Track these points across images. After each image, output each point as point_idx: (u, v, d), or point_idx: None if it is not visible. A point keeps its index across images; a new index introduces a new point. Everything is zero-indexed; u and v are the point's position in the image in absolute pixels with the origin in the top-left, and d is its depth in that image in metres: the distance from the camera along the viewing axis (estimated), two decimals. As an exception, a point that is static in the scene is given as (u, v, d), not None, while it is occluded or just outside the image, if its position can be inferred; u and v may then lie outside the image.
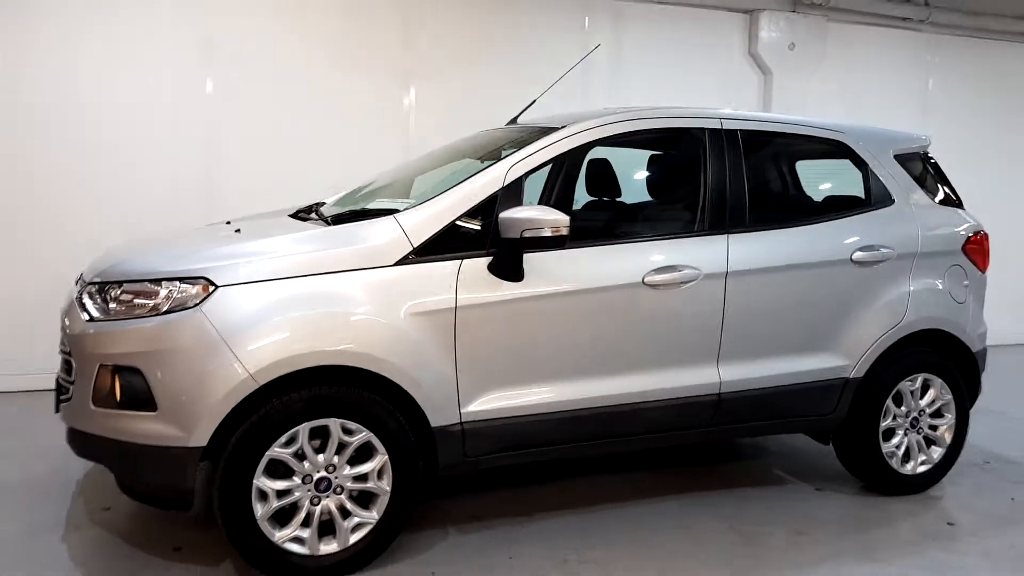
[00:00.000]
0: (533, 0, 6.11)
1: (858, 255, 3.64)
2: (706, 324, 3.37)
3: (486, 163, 3.25)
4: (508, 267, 3.00)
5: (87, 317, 2.83)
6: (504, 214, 2.96)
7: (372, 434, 2.86)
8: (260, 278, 2.78)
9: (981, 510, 3.74)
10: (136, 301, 2.78)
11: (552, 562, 3.07)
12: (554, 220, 2.91)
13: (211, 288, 2.72)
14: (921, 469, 3.89)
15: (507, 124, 4.06)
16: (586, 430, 3.24)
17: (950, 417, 3.93)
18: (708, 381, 3.39)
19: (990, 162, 7.54)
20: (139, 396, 2.69)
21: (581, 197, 3.73)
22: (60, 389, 3.00)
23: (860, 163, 3.86)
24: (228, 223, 3.62)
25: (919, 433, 3.88)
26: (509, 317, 3.03)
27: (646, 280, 3.22)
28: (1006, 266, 6.56)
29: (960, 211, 4.08)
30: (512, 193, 3.10)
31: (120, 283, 2.84)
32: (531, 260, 3.06)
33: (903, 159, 3.98)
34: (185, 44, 5.27)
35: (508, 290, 3.01)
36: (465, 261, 2.99)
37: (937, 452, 3.93)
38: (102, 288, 2.87)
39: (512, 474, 3.92)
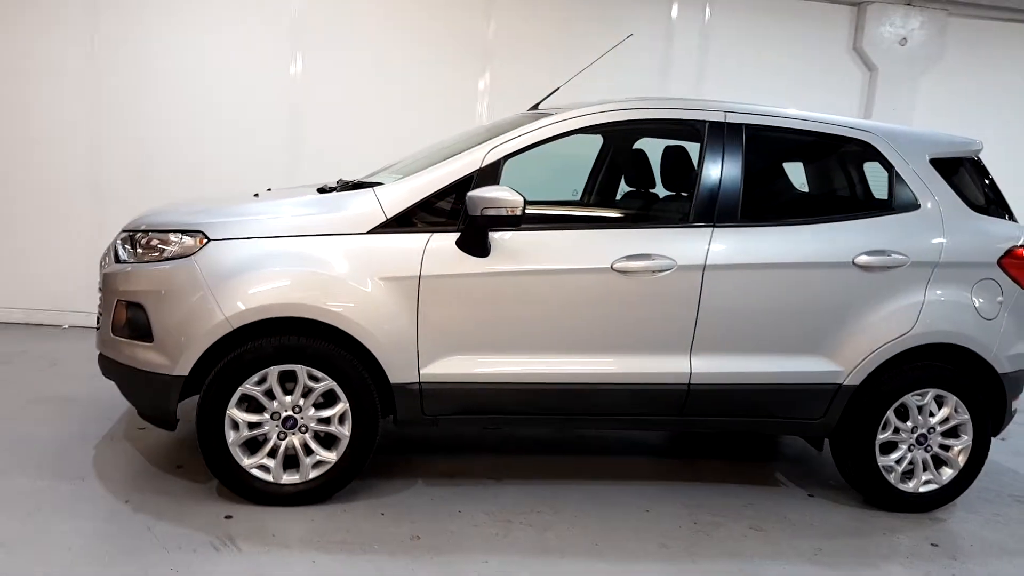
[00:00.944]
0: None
1: (863, 259, 3.50)
2: (679, 315, 3.40)
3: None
4: (473, 243, 3.20)
5: (115, 260, 3.34)
6: (470, 193, 3.16)
7: (335, 383, 3.18)
8: (248, 235, 3.16)
9: (981, 538, 3.52)
10: (152, 248, 3.25)
11: (494, 519, 3.27)
12: (510, 200, 3.08)
13: (205, 241, 3.13)
14: (925, 488, 3.70)
15: (528, 110, 4.21)
16: (545, 404, 3.38)
17: (966, 439, 3.69)
18: (678, 371, 3.42)
19: None
20: (142, 328, 3.16)
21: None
22: (97, 320, 3.55)
23: (885, 165, 3.68)
24: (269, 190, 4.06)
25: (927, 451, 3.68)
26: (471, 290, 3.23)
27: (615, 266, 3.30)
28: None
29: (1004, 222, 3.78)
30: (488, 174, 3.28)
31: (145, 232, 3.32)
32: (502, 239, 3.24)
33: (941, 163, 3.75)
34: (275, 22, 5.79)
35: (472, 265, 3.21)
36: (435, 235, 3.22)
37: (947, 473, 3.71)
38: (131, 236, 3.37)
39: (497, 441, 4.13)
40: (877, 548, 3.33)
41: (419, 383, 3.25)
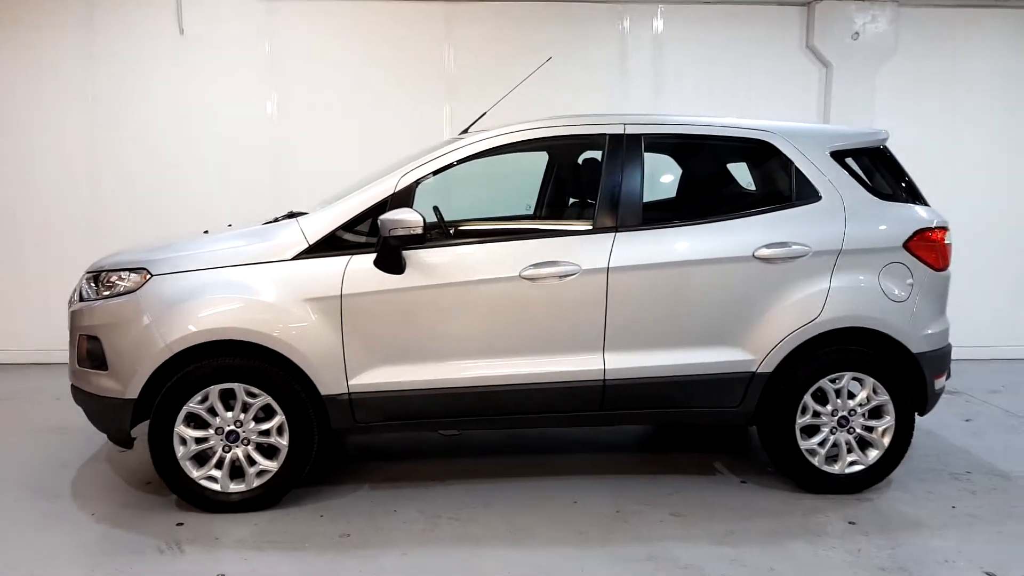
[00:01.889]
0: (571, 4, 6.37)
1: (763, 252, 3.69)
2: (588, 315, 3.62)
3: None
4: (388, 261, 3.50)
5: (78, 298, 3.73)
6: (380, 217, 3.47)
7: (271, 398, 3.50)
8: (185, 268, 3.52)
9: (902, 515, 3.62)
10: (107, 286, 3.63)
11: (425, 516, 3.53)
12: (408, 220, 3.38)
13: (148, 276, 3.50)
14: (851, 470, 3.82)
15: (460, 134, 4.50)
16: (470, 407, 3.63)
17: (888, 419, 3.81)
18: (592, 368, 3.64)
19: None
20: (98, 358, 3.54)
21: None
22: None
23: (785, 161, 3.86)
24: (229, 226, 4.43)
25: (850, 433, 3.81)
26: (390, 305, 3.52)
27: (523, 274, 3.56)
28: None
29: (911, 207, 3.92)
30: (401, 198, 3.58)
31: (103, 272, 3.71)
32: (416, 256, 3.53)
33: (842, 155, 3.91)
34: (251, 62, 6.25)
35: (389, 282, 3.51)
36: (354, 256, 3.53)
37: (873, 454, 3.83)
38: (94, 276, 3.76)
39: (449, 447, 4.39)
40: (789, 528, 3.47)
41: (348, 394, 3.54)
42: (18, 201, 6.29)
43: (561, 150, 4.27)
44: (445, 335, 3.58)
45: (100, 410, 3.58)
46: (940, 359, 3.90)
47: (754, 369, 3.71)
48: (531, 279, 3.56)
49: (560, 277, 3.58)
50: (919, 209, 3.92)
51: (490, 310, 3.58)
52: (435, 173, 3.68)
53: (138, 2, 6.18)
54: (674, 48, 6.40)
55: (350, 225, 3.59)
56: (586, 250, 3.62)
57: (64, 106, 6.22)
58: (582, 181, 4.13)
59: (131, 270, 3.57)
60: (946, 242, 3.89)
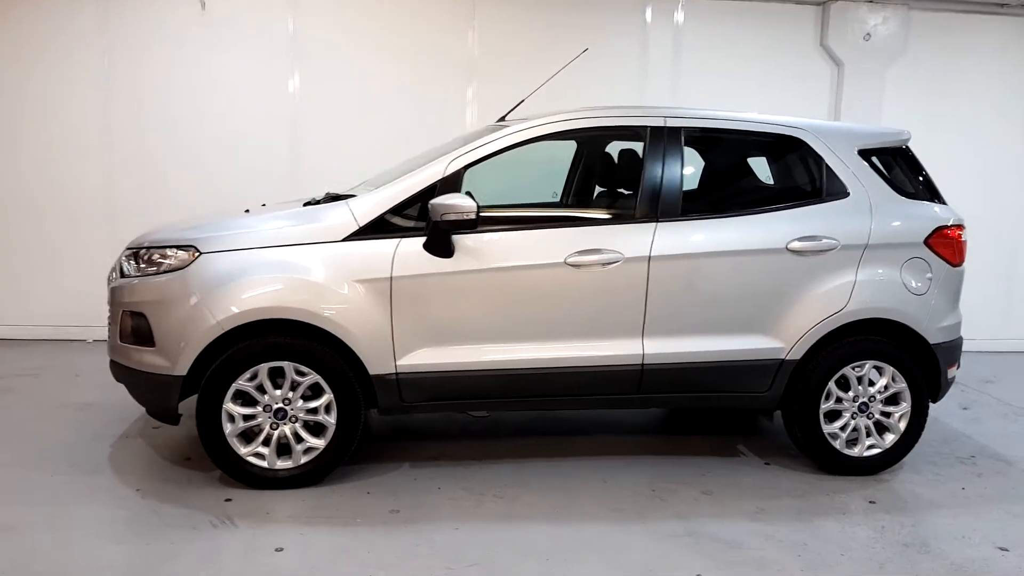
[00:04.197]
0: (595, -5, 6.45)
1: (796, 244, 3.83)
2: (629, 302, 3.74)
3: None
4: (438, 245, 3.56)
5: (120, 275, 3.73)
6: (431, 201, 3.53)
7: (320, 377, 3.55)
8: (235, 247, 3.54)
9: (917, 495, 3.83)
10: (151, 263, 3.63)
11: (470, 494, 3.63)
12: (464, 206, 3.45)
13: (197, 254, 3.52)
14: (869, 453, 4.01)
15: (497, 121, 4.57)
16: (512, 388, 3.74)
17: (905, 406, 4.00)
18: (632, 353, 3.76)
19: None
20: (144, 334, 3.55)
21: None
22: (109, 330, 3.95)
23: (816, 158, 4.01)
24: (263, 205, 4.45)
25: (869, 418, 4.00)
26: (438, 288, 3.59)
27: (568, 261, 3.66)
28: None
29: (931, 205, 4.10)
30: (451, 183, 3.65)
31: (147, 248, 3.71)
32: (464, 240, 3.60)
33: (869, 154, 4.07)
34: (272, 42, 6.19)
35: (438, 265, 3.58)
36: (404, 239, 3.60)
37: (889, 438, 4.02)
38: (134, 253, 3.76)
39: (483, 427, 4.49)
40: (816, 507, 3.65)
41: (396, 374, 3.61)
42: (34, 178, 6.17)
43: (602, 140, 4.35)
44: (491, 318, 3.67)
45: (146, 386, 3.60)
46: (953, 350, 4.11)
47: (783, 356, 3.87)
48: (575, 266, 3.66)
49: (603, 264, 3.68)
50: (938, 207, 4.11)
51: (535, 295, 3.68)
52: (484, 159, 3.75)
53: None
54: (693, 41, 6.50)
55: (399, 208, 3.64)
56: (628, 239, 3.73)
57: (81, 82, 6.09)
58: (620, 171, 4.23)
59: (179, 247, 3.58)
60: (962, 239, 4.09)
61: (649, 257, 3.72)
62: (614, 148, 4.49)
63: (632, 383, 3.81)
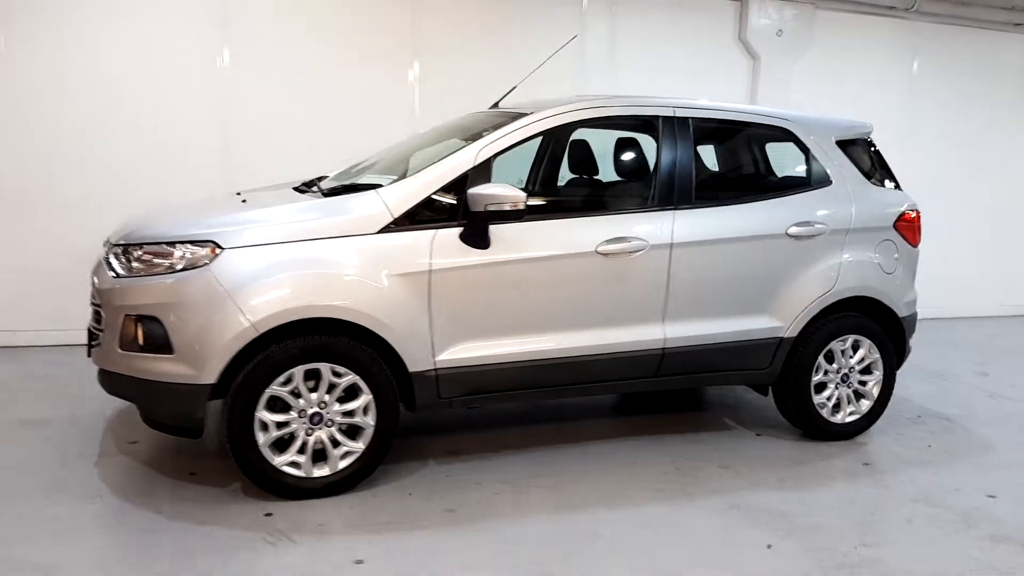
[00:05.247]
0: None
1: (793, 230, 4.10)
2: (653, 288, 3.84)
3: (462, 144, 3.70)
4: (476, 236, 3.47)
5: (113, 274, 3.33)
6: (472, 190, 3.43)
7: (358, 377, 3.36)
8: (260, 242, 3.26)
9: (897, 454, 4.24)
10: (155, 260, 3.27)
11: (511, 486, 3.60)
12: (514, 196, 3.38)
13: (218, 250, 3.21)
14: (850, 419, 4.38)
15: (489, 108, 4.49)
16: (546, 378, 3.73)
17: (878, 374, 4.40)
18: (654, 337, 3.87)
19: (968, 144, 7.94)
20: (158, 341, 3.20)
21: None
22: (91, 336, 3.51)
23: (803, 148, 4.29)
24: (238, 194, 4.11)
25: (849, 387, 4.36)
26: (477, 279, 3.51)
27: (598, 249, 3.69)
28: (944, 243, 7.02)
29: (894, 191, 4.51)
30: (481, 171, 3.56)
31: (140, 245, 3.33)
32: (498, 230, 3.53)
33: (844, 144, 4.41)
34: (201, 19, 5.68)
35: (476, 256, 3.49)
36: (439, 230, 3.47)
37: (865, 404, 4.41)
38: (125, 249, 3.36)
39: (483, 419, 4.44)
40: (824, 472, 3.95)
41: (435, 369, 3.49)
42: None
43: (612, 129, 4.36)
44: (525, 309, 3.63)
45: (164, 398, 3.24)
46: (913, 322, 4.57)
47: (782, 335, 4.14)
48: (605, 254, 3.71)
49: (630, 252, 3.75)
50: (899, 194, 4.53)
51: (568, 283, 3.69)
52: (511, 147, 3.69)
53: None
54: (625, 31, 6.67)
55: (431, 199, 3.50)
56: (651, 226, 3.82)
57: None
58: (632, 159, 4.29)
59: (194, 243, 3.24)
60: (920, 222, 4.54)
61: (671, 244, 3.84)
62: (603, 136, 4.55)
63: (653, 367, 3.92)
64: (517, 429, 4.36)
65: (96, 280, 3.45)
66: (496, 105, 4.50)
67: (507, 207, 3.39)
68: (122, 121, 5.61)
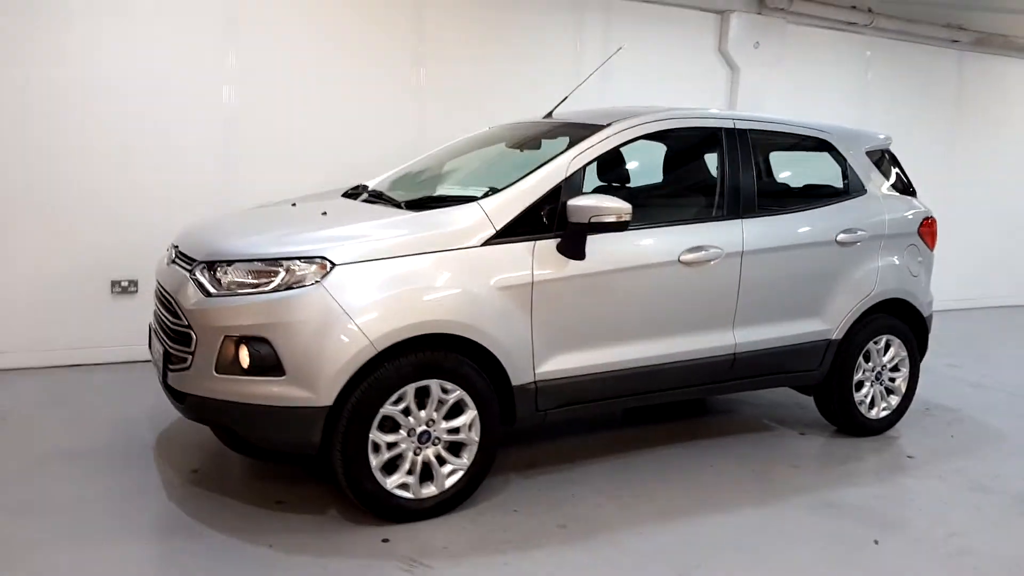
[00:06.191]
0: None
1: (841, 236, 4.30)
2: (726, 295, 3.95)
3: (534, 153, 3.72)
4: (575, 247, 3.46)
5: (204, 293, 3.11)
6: (573, 201, 3.41)
7: (465, 392, 3.28)
8: (369, 257, 3.13)
9: (930, 446, 4.52)
10: (255, 278, 3.08)
11: (607, 497, 3.60)
12: (619, 208, 3.39)
13: (328, 266, 3.06)
14: (883, 415, 4.64)
15: (544, 117, 4.48)
16: (631, 386, 3.76)
17: (905, 371, 4.68)
18: (727, 343, 3.98)
19: (916, 148, 8.50)
20: (267, 363, 3.01)
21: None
22: (169, 359, 3.26)
23: (840, 158, 4.52)
24: (293, 204, 3.93)
25: (881, 384, 4.62)
26: (574, 290, 3.50)
27: (681, 259, 3.76)
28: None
29: (914, 199, 4.81)
30: (574, 182, 3.55)
31: (231, 262, 3.13)
32: (593, 242, 3.51)
33: (871, 155, 4.67)
34: (207, 27, 5.37)
35: (574, 267, 3.48)
36: (538, 242, 3.44)
37: (895, 400, 4.68)
38: (211, 266, 3.15)
39: (544, 428, 4.42)
40: (880, 466, 4.18)
41: (535, 382, 3.46)
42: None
43: (679, 140, 4.41)
44: (617, 318, 3.66)
45: (276, 423, 3.04)
46: (931, 320, 4.89)
47: (831, 337, 4.34)
48: (687, 263, 3.78)
49: (708, 261, 3.84)
50: (918, 201, 4.84)
51: (654, 292, 3.73)
52: (598, 158, 3.70)
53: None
54: (618, 41, 6.76)
55: (529, 211, 3.46)
56: (724, 235, 3.93)
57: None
58: (697, 169, 4.37)
59: (301, 259, 3.08)
60: (936, 226, 4.86)
61: (742, 252, 3.95)
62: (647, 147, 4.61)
63: (725, 370, 4.03)
64: (574, 439, 4.35)
65: (178, 299, 3.21)
66: (550, 114, 4.49)
67: (611, 219, 3.40)
68: (125, 124, 5.21)
